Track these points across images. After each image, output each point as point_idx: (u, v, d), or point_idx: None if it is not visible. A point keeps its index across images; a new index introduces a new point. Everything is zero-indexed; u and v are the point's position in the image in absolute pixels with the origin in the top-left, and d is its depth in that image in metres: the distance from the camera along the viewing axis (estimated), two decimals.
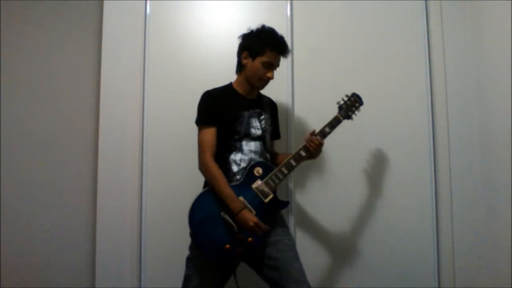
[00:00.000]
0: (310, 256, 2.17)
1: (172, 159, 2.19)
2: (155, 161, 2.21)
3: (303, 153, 1.74)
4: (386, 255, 2.16)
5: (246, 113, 1.78)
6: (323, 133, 1.77)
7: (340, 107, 1.83)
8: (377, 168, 2.21)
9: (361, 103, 1.87)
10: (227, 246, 1.61)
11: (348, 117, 1.84)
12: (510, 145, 1.92)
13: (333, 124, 1.79)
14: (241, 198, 1.66)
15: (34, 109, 2.28)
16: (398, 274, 2.15)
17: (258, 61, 1.74)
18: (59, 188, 2.25)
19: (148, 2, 2.29)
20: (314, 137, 1.75)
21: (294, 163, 1.73)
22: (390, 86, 2.25)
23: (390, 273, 2.15)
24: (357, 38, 2.28)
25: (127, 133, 2.22)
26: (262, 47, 1.73)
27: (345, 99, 1.85)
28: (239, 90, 1.83)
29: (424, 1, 2.29)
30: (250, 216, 1.60)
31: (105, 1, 2.29)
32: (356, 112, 1.86)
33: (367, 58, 2.27)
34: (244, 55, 1.78)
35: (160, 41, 2.27)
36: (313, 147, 1.74)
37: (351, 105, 1.85)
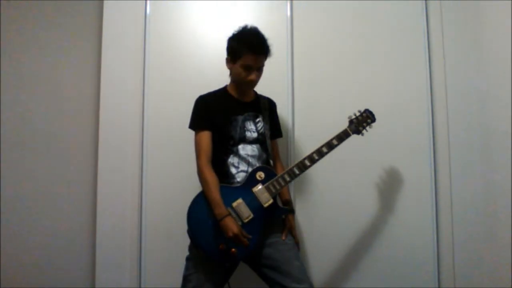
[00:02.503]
0: (310, 256, 2.17)
1: (172, 159, 2.19)
2: (155, 161, 2.21)
3: (307, 163, 1.73)
4: (386, 255, 2.16)
5: (240, 117, 1.78)
6: (330, 145, 1.75)
7: (351, 122, 1.82)
8: (377, 168, 2.21)
9: (373, 120, 1.85)
10: (221, 246, 1.61)
11: (358, 132, 1.82)
12: (510, 146, 1.92)
13: (341, 137, 1.77)
14: (239, 200, 1.66)
15: (34, 108, 2.28)
16: (398, 274, 2.15)
17: (238, 65, 1.72)
18: (59, 188, 2.25)
19: (148, 2, 2.29)
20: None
21: (297, 172, 1.72)
22: (390, 86, 2.25)
23: (390, 273, 2.15)
24: (357, 38, 2.28)
25: (127, 133, 2.22)
26: (240, 50, 1.70)
27: (357, 114, 1.83)
28: (233, 93, 1.82)
29: (424, 1, 2.29)
30: (231, 226, 1.59)
31: (105, 1, 2.29)
32: (367, 128, 1.84)
33: (367, 58, 2.27)
34: (227, 59, 1.78)
35: (160, 41, 2.27)
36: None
37: (362, 121, 1.82)
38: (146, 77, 2.25)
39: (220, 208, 1.61)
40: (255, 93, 1.90)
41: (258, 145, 1.79)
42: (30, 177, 2.24)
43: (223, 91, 1.85)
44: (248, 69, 1.71)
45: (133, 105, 2.23)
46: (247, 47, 1.68)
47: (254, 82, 1.76)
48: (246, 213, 1.65)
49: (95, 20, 2.31)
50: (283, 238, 1.73)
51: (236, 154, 1.75)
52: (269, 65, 2.20)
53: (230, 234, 1.58)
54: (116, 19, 2.28)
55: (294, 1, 2.28)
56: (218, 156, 1.74)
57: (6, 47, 2.28)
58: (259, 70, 1.75)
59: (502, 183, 1.99)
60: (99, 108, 2.23)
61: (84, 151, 2.27)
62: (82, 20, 2.34)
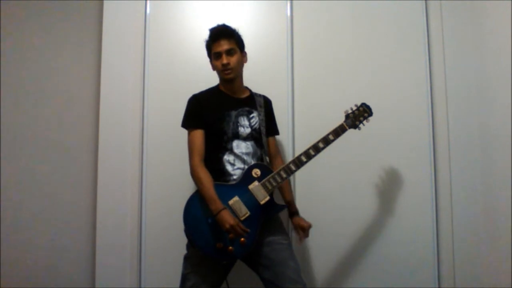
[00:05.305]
0: (310, 256, 2.18)
1: (172, 159, 2.19)
2: (155, 161, 2.21)
3: (303, 159, 1.72)
4: (386, 255, 2.16)
5: (233, 112, 1.78)
6: (327, 140, 1.74)
7: (347, 116, 1.80)
8: (377, 168, 2.21)
9: (370, 114, 1.83)
10: (218, 244, 1.61)
11: (355, 126, 1.80)
12: (510, 145, 1.92)
13: (338, 132, 1.76)
14: (236, 198, 1.66)
15: (34, 109, 2.28)
16: (398, 274, 2.15)
17: (212, 58, 1.81)
18: (59, 187, 2.25)
19: (148, 2, 2.29)
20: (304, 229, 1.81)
21: (293, 168, 1.72)
22: (390, 86, 2.25)
23: (390, 273, 2.15)
24: (357, 38, 2.28)
25: (127, 133, 2.22)
26: (208, 46, 1.82)
27: (354, 108, 1.82)
28: (225, 90, 1.84)
29: (424, 1, 2.29)
30: (227, 218, 1.59)
31: (105, 1, 2.29)
32: (364, 122, 1.82)
33: (367, 58, 2.27)
34: (210, 64, 1.85)
35: (160, 41, 2.27)
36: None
37: (359, 115, 1.81)
38: (146, 76, 2.25)
39: (215, 203, 1.62)
40: (249, 90, 1.91)
41: (252, 142, 1.79)
42: (30, 177, 2.24)
43: (215, 88, 1.87)
44: (218, 56, 1.77)
45: (133, 104, 2.23)
46: (209, 39, 1.80)
47: (229, 67, 1.76)
48: (243, 210, 1.65)
49: (95, 20, 2.31)
50: (301, 238, 1.80)
51: (231, 151, 1.75)
52: (269, 65, 2.22)
53: (227, 226, 1.57)
54: (116, 19, 2.28)
55: (294, 1, 2.28)
56: (213, 154, 1.75)
57: (6, 47, 2.28)
58: (229, 54, 1.77)
59: (502, 183, 1.99)
60: (99, 108, 2.23)
61: (84, 151, 2.27)
62: (82, 20, 2.34)
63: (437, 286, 2.15)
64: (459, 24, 2.26)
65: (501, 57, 1.99)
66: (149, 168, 2.21)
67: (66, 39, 2.33)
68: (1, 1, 2.28)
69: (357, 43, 2.28)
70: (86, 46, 2.32)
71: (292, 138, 2.21)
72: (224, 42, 1.76)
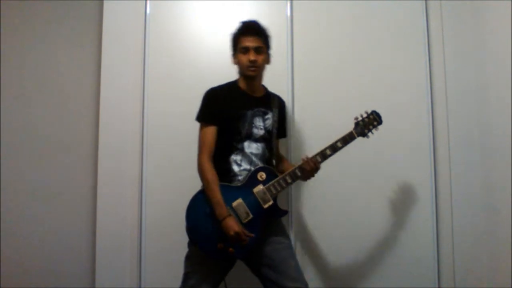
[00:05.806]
0: (309, 256, 2.18)
1: (173, 159, 2.19)
2: (155, 161, 2.21)
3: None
4: (386, 255, 2.16)
5: (249, 112, 1.76)
6: (334, 148, 1.73)
7: (357, 123, 1.78)
8: (377, 169, 2.21)
9: (380, 122, 1.81)
10: (219, 245, 1.61)
11: (364, 134, 1.78)
12: (510, 145, 1.92)
13: (346, 140, 1.74)
14: (239, 200, 1.66)
15: (34, 109, 2.28)
16: (398, 274, 2.15)
17: (238, 52, 1.76)
18: (59, 188, 2.25)
19: (148, 2, 2.29)
20: (312, 159, 1.72)
21: (299, 174, 1.72)
22: (390, 86, 2.25)
23: (390, 273, 2.15)
24: (357, 38, 2.28)
25: (127, 133, 2.22)
26: (236, 38, 1.78)
27: (364, 115, 1.79)
28: (243, 87, 1.81)
29: (424, 1, 2.29)
30: (232, 225, 1.59)
31: (105, 1, 2.28)
32: (373, 130, 1.80)
33: (367, 58, 2.27)
34: (232, 56, 1.81)
35: (160, 41, 2.27)
36: (308, 169, 1.71)
37: (369, 123, 1.79)
38: (146, 76, 2.25)
39: (221, 208, 1.61)
40: (265, 88, 1.88)
41: (263, 144, 1.78)
42: (30, 177, 2.24)
43: (233, 84, 1.83)
44: (245, 51, 1.74)
45: (133, 105, 2.23)
46: (239, 32, 1.77)
47: (257, 64, 1.74)
48: (246, 213, 1.65)
49: (95, 20, 2.31)
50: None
51: (241, 151, 1.74)
52: (270, 65, 2.21)
53: (232, 233, 1.58)
54: (116, 19, 2.28)
55: (294, 1, 2.28)
56: (222, 152, 1.73)
57: (6, 47, 2.28)
58: (258, 52, 1.74)
59: (502, 183, 1.99)
60: (99, 108, 2.23)
61: (84, 152, 2.27)
62: (82, 20, 2.34)
63: (437, 286, 2.15)
64: (459, 24, 2.26)
65: (501, 57, 1.99)
66: (149, 168, 2.21)
67: (66, 39, 2.33)
68: (1, 1, 2.28)
69: (357, 43, 2.28)
70: (86, 46, 2.32)
71: (292, 138, 2.20)
72: (255, 38, 1.74)
